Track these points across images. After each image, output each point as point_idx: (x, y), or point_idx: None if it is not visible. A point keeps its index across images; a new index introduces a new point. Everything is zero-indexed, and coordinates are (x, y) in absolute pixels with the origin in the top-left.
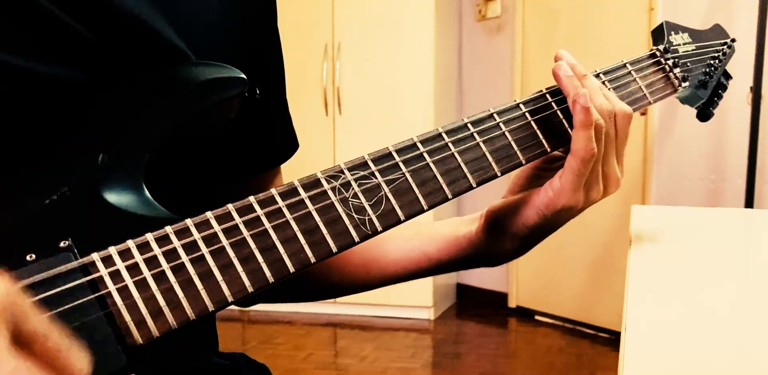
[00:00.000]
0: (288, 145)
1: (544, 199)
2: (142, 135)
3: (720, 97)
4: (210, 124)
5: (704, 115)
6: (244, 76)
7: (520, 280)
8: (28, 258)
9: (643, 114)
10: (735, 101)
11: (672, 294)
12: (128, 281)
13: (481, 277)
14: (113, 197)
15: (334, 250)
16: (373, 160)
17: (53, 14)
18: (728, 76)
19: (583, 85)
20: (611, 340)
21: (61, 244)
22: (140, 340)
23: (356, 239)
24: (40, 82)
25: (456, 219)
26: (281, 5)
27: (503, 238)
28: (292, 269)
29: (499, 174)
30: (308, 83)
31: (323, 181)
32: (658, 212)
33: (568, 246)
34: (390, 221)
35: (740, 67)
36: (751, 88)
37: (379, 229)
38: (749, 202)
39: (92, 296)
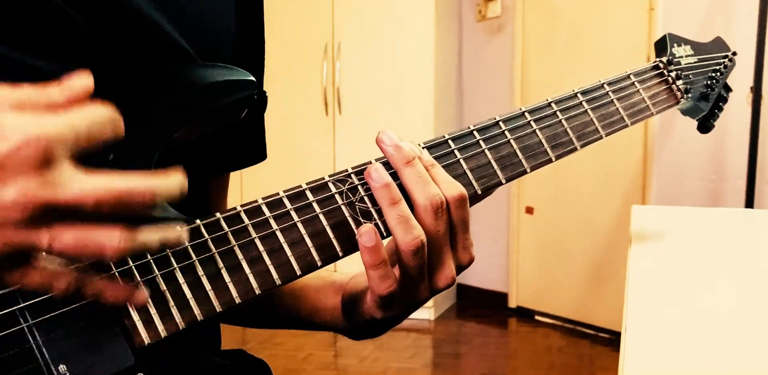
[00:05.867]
0: (258, 151)
1: (365, 303)
2: (152, 134)
3: (720, 109)
4: (218, 125)
5: (705, 127)
6: (253, 78)
7: (520, 280)
8: None
9: None
10: (735, 101)
11: (672, 294)
12: (138, 281)
13: (481, 277)
14: None
15: (340, 254)
16: None
17: (57, 7)
18: (728, 89)
19: (403, 177)
20: (611, 340)
21: None
22: (148, 340)
23: None
24: (42, 78)
25: (331, 285)
26: (282, 5)
27: (352, 322)
28: (299, 272)
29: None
30: (308, 83)
31: (331, 185)
32: (658, 212)
33: (568, 246)
34: None
35: (740, 67)
36: (751, 88)
37: (385, 233)
38: (749, 202)
39: None
